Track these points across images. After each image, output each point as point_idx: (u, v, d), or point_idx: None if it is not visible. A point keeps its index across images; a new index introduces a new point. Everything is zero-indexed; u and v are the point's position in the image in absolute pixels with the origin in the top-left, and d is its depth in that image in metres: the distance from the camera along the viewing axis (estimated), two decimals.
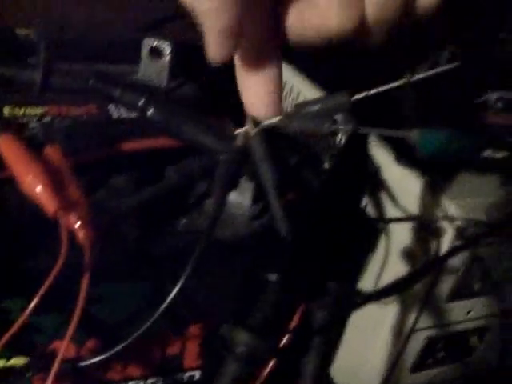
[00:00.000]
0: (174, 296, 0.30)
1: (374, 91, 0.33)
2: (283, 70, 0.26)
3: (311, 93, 0.51)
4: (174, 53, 0.47)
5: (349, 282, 0.30)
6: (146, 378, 0.38)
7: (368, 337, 0.47)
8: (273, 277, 0.27)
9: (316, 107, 0.33)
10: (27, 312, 0.29)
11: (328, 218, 0.30)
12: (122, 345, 0.30)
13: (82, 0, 0.57)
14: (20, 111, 0.38)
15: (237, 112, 0.35)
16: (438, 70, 0.32)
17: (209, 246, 0.32)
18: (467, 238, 0.40)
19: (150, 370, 0.38)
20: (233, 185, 0.32)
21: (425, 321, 0.44)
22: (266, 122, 0.33)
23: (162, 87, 0.46)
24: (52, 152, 0.31)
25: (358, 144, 0.33)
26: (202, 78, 0.49)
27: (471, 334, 0.49)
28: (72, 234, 0.29)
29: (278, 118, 0.33)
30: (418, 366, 0.48)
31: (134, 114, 0.39)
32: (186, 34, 0.62)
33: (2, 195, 0.31)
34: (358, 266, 0.38)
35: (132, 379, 0.38)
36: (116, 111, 0.41)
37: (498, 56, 0.41)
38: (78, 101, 0.40)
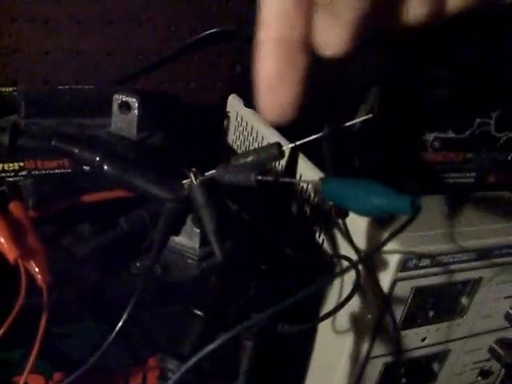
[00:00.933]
0: (120, 327, 0.34)
1: (299, 142, 0.37)
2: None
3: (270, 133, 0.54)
4: (142, 106, 0.52)
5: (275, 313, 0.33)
6: None
7: (329, 368, 0.50)
8: (199, 312, 0.30)
9: (249, 158, 0.38)
10: None
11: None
12: (81, 369, 0.34)
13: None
14: None
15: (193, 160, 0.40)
16: (354, 121, 0.37)
17: (159, 284, 0.37)
18: (409, 269, 0.43)
19: None
20: (174, 230, 0.37)
21: (380, 349, 0.47)
22: (206, 174, 0.38)
23: (131, 138, 0.51)
24: (15, 207, 0.35)
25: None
26: (167, 127, 0.54)
27: (431, 359, 0.52)
28: (32, 278, 0.34)
29: (214, 171, 0.37)
30: None
31: None
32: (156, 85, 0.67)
33: None
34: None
35: None
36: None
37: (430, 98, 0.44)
38: (51, 156, 0.46)
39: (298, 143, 0.37)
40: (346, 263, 0.45)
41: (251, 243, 0.36)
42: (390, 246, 0.43)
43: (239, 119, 0.61)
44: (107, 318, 0.38)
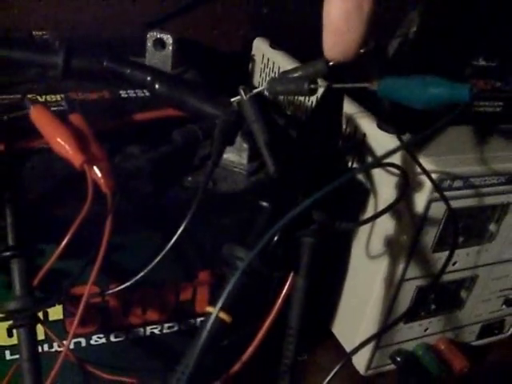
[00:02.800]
0: (176, 239, 0.36)
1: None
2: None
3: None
4: (176, 44, 0.53)
5: (333, 213, 0.35)
6: (162, 323, 0.44)
7: (363, 292, 0.52)
8: (265, 203, 0.32)
9: (297, 73, 0.39)
10: (56, 254, 0.34)
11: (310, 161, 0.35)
12: (139, 276, 0.35)
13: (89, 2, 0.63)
14: (41, 99, 0.45)
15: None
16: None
17: (210, 197, 0.38)
18: (443, 190, 0.45)
19: (166, 315, 0.43)
20: (229, 141, 0.38)
21: (413, 271, 0.49)
22: (256, 90, 0.39)
23: None
24: (75, 118, 0.36)
25: (333, 101, 0.38)
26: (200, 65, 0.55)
27: (459, 286, 0.54)
28: (96, 185, 0.35)
29: (264, 85, 0.39)
30: (411, 317, 0.53)
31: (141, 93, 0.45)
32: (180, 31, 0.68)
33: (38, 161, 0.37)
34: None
35: (151, 324, 0.43)
36: (125, 95, 0.47)
37: None
38: (92, 87, 0.47)
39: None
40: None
41: (300, 158, 0.37)
42: (425, 167, 0.44)
43: (265, 61, 0.63)
44: (161, 231, 0.39)
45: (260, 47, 0.64)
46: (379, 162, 0.40)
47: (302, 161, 0.37)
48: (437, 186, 0.40)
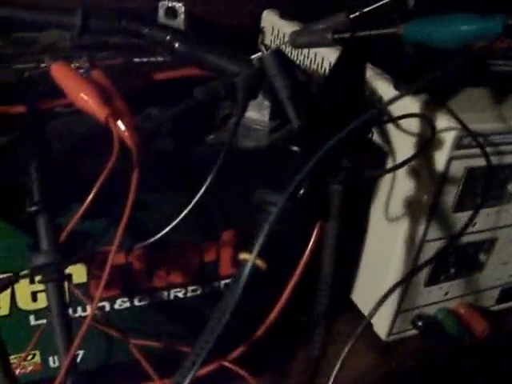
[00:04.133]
0: (200, 197, 0.35)
1: (367, 9, 0.38)
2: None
3: None
4: (188, 13, 0.52)
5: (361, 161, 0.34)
6: (186, 286, 0.43)
7: (383, 255, 0.51)
8: (294, 147, 0.32)
9: (319, 26, 0.39)
10: (82, 209, 0.34)
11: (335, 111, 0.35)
12: (163, 232, 0.35)
13: None
14: None
15: None
16: None
17: (233, 154, 0.38)
18: (463, 147, 0.45)
19: (190, 278, 0.43)
20: (253, 96, 0.38)
21: (434, 232, 0.49)
22: (276, 44, 0.39)
23: None
24: (97, 74, 0.36)
25: (354, 55, 0.37)
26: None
27: (479, 249, 0.54)
28: (121, 140, 0.34)
29: (287, 39, 0.38)
30: (432, 280, 0.52)
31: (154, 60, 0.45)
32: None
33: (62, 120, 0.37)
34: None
35: (174, 287, 0.43)
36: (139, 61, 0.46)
37: None
38: (107, 56, 0.46)
39: (366, 9, 0.38)
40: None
41: (323, 110, 0.37)
42: (444, 124, 0.44)
43: (275, 33, 0.62)
44: (184, 189, 0.39)
45: (269, 19, 0.64)
46: (399, 115, 0.39)
47: (326, 114, 0.36)
48: (468, 129, 0.39)
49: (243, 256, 0.30)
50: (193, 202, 0.36)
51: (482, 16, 0.28)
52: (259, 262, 0.30)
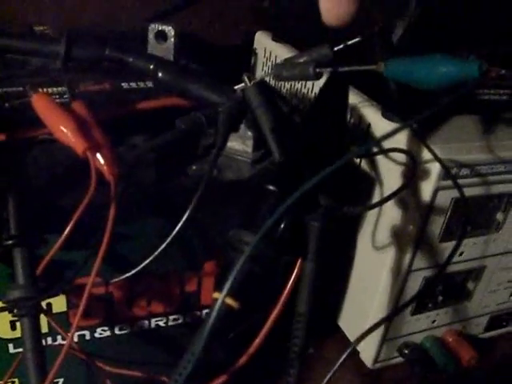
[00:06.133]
0: (181, 228, 0.35)
1: (351, 42, 0.38)
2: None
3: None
4: (178, 36, 0.52)
5: (339, 200, 0.34)
6: (168, 315, 0.43)
7: (370, 283, 0.51)
8: (272, 187, 0.31)
9: (302, 59, 0.38)
10: (59, 242, 0.34)
11: (316, 148, 0.35)
12: (144, 263, 0.34)
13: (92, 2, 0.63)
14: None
15: None
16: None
17: (215, 185, 0.37)
18: (451, 178, 0.44)
19: (171, 307, 0.43)
20: (234, 127, 0.37)
21: (420, 261, 0.48)
22: (261, 75, 0.39)
23: None
24: (78, 106, 0.36)
25: (338, 87, 0.37)
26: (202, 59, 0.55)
27: (467, 277, 0.53)
28: (99, 173, 0.34)
29: (270, 72, 0.38)
30: (419, 309, 0.52)
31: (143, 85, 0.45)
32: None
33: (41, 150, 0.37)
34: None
35: (155, 316, 0.43)
36: (127, 86, 0.46)
37: None
38: (93, 80, 0.46)
39: (350, 42, 0.38)
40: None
41: (305, 144, 0.37)
42: (430, 155, 0.44)
43: (267, 55, 0.62)
44: (165, 220, 0.39)
45: (262, 41, 0.64)
46: (383, 148, 0.39)
47: (308, 147, 0.36)
48: (447, 169, 0.39)
49: (215, 295, 0.30)
50: (173, 234, 0.36)
51: (462, 59, 0.28)
52: (231, 302, 0.30)
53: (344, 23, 0.28)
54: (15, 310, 0.33)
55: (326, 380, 0.36)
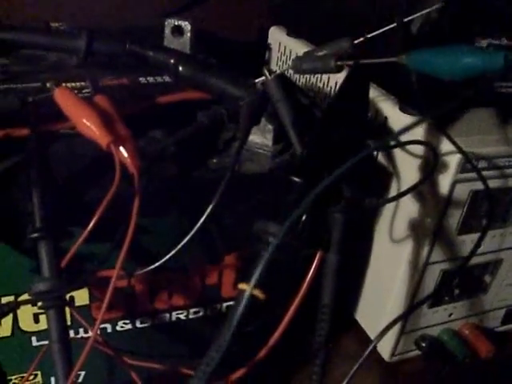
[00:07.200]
0: (204, 221, 0.35)
1: (371, 34, 0.38)
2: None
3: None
4: (194, 31, 0.52)
5: (360, 192, 0.34)
6: (188, 308, 0.43)
7: (387, 277, 0.51)
8: (296, 178, 0.32)
9: (322, 52, 0.39)
10: (83, 235, 0.34)
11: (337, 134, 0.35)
12: (168, 255, 0.35)
13: None
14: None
15: None
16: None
17: (236, 178, 0.38)
18: (468, 171, 0.44)
19: (192, 300, 0.43)
20: (256, 121, 0.38)
21: (438, 254, 0.48)
22: (281, 69, 0.39)
23: None
24: (100, 100, 0.36)
25: (358, 80, 0.37)
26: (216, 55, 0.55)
27: (484, 270, 0.53)
28: (123, 166, 0.34)
29: (290, 63, 0.38)
30: (436, 302, 0.52)
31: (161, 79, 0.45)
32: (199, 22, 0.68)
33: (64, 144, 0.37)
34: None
35: (176, 309, 0.43)
36: (145, 81, 0.46)
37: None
38: (112, 75, 0.46)
39: (370, 35, 0.38)
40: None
41: (326, 136, 0.37)
42: (449, 148, 0.44)
43: (282, 50, 0.62)
44: (187, 213, 0.39)
45: (276, 36, 0.64)
46: (402, 141, 0.39)
47: (329, 140, 0.36)
48: (469, 160, 0.39)
49: (241, 286, 0.30)
50: (196, 228, 0.36)
51: (486, 50, 0.28)
52: (257, 293, 0.30)
53: None
54: (40, 303, 0.33)
55: (347, 379, 0.36)
